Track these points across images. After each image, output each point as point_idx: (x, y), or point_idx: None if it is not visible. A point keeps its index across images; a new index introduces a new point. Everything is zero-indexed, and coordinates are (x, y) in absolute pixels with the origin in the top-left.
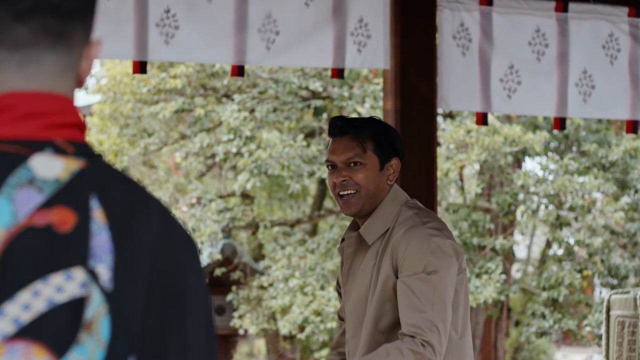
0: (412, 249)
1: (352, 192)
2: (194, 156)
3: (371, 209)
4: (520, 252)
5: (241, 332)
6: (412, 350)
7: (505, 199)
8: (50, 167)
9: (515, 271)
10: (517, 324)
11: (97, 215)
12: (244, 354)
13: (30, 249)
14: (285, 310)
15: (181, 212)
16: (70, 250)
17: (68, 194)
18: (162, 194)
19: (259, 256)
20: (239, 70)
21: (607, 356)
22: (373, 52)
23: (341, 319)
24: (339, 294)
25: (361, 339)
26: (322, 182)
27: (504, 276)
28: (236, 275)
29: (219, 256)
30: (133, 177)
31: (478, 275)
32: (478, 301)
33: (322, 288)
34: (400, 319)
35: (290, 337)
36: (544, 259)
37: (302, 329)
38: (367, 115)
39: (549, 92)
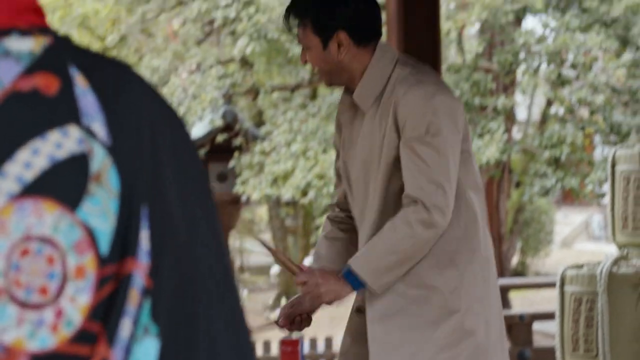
0: (414, 111)
1: (317, 68)
2: (192, 22)
3: (345, 79)
4: (520, 113)
5: (244, 198)
6: (418, 219)
7: (507, 58)
8: (22, 43)
9: (516, 132)
10: (517, 185)
11: (79, 80)
12: (245, 220)
13: (20, 111)
14: (287, 175)
15: (181, 79)
16: (60, 111)
17: (46, 62)
18: (161, 62)
19: (260, 122)
20: None
21: (612, 210)
22: None
23: (340, 177)
24: (338, 152)
25: (371, 202)
26: None
27: (506, 136)
28: (238, 141)
29: (220, 123)
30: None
31: (480, 136)
32: (480, 162)
33: (325, 151)
34: (404, 182)
35: (293, 203)
36: (544, 119)
37: (304, 193)
38: None
39: None
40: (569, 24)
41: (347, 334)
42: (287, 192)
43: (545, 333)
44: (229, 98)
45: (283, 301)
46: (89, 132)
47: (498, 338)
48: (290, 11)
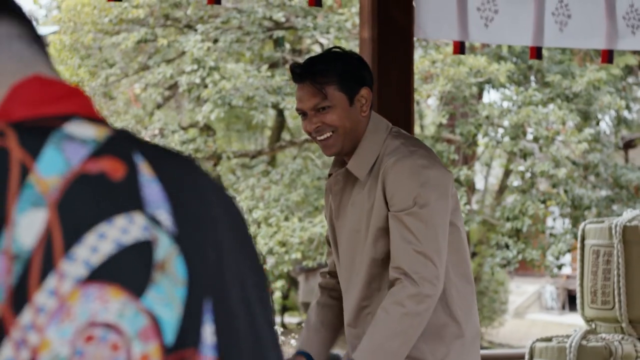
0: (402, 182)
1: (329, 134)
2: (153, 87)
3: (353, 144)
4: (477, 183)
5: None
6: (408, 296)
7: (470, 129)
8: (85, 129)
9: (475, 202)
10: (473, 255)
11: (144, 168)
12: None
13: (88, 194)
14: None
15: None
16: (126, 196)
17: (111, 149)
18: (122, 125)
19: None
20: None
21: (581, 285)
22: None
23: (330, 245)
24: (332, 226)
25: (358, 271)
26: (280, 113)
27: (468, 207)
28: None
29: None
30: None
31: None
32: None
33: (287, 219)
34: (392, 254)
35: None
36: (501, 190)
37: (264, 260)
38: (332, 46)
39: (526, 21)
40: (531, 98)
41: None
42: None
43: None
44: None
45: None
46: (154, 220)
47: None
48: (310, 70)
